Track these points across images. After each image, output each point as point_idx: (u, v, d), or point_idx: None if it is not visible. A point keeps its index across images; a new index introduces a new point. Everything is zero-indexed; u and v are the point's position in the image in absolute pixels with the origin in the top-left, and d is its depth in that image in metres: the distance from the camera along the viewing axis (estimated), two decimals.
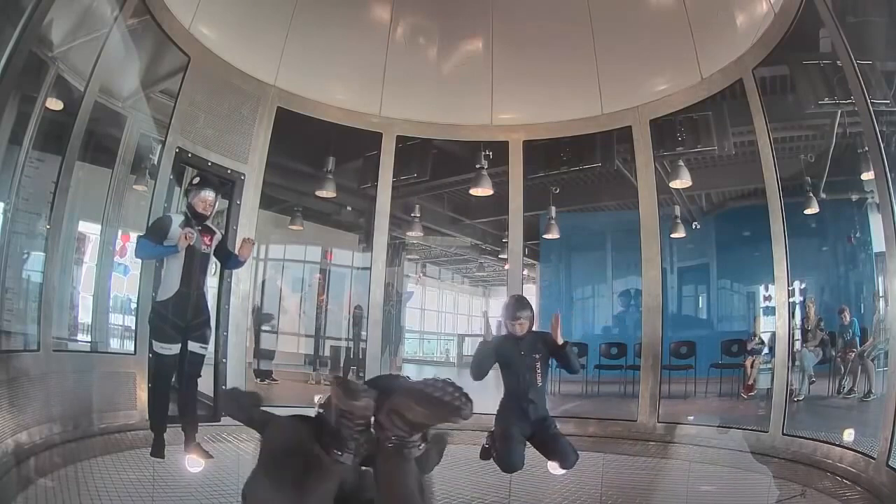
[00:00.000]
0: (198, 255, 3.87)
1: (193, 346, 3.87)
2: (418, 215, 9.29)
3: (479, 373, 3.59)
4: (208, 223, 4.01)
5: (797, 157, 6.11)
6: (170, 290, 3.79)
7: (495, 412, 3.60)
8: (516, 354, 3.52)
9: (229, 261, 4.25)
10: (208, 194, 3.91)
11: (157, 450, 3.72)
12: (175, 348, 3.77)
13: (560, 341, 3.50)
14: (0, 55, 3.06)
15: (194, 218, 3.87)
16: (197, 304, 3.88)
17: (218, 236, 4.08)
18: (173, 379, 3.87)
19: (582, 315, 10.32)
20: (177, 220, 3.86)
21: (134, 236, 5.14)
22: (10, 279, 3.88)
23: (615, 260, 9.53)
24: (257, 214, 5.43)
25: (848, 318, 5.99)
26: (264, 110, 5.44)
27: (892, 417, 3.46)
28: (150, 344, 3.87)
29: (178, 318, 3.77)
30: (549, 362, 3.61)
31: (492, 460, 3.60)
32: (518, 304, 3.65)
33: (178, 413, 3.88)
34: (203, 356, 3.99)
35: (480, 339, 3.82)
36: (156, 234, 3.82)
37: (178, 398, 3.86)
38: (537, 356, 3.52)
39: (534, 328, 3.62)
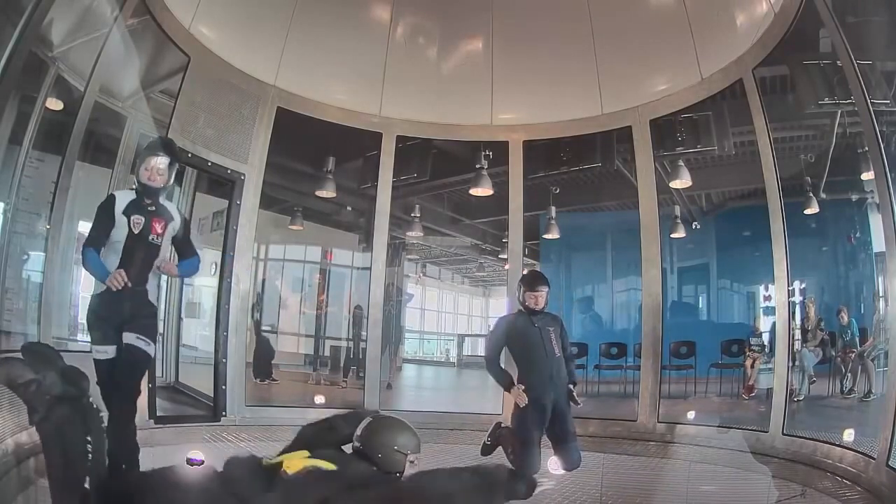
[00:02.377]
0: (141, 244, 3.06)
1: (129, 336, 3.01)
2: (418, 215, 9.30)
3: (494, 351, 3.69)
4: (164, 202, 3.19)
5: (797, 157, 6.11)
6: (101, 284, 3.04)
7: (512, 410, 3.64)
8: (531, 326, 3.58)
9: (186, 259, 3.32)
10: (159, 161, 3.10)
11: None
12: (111, 351, 2.99)
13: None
14: (0, 55, 3.06)
15: (143, 193, 3.09)
16: (134, 301, 3.05)
17: (175, 223, 3.21)
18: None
19: (582, 315, 10.33)
20: (123, 198, 3.07)
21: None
22: (10, 279, 3.88)
23: (615, 260, 9.54)
24: (257, 214, 5.44)
25: (846, 319, 5.99)
26: (264, 110, 5.44)
27: (892, 417, 3.46)
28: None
29: (112, 314, 3.01)
30: None
31: (488, 455, 3.65)
32: (537, 277, 3.75)
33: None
34: (145, 352, 3.06)
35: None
36: (102, 223, 3.02)
37: (108, 420, 2.62)
38: (551, 329, 3.61)
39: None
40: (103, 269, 2.96)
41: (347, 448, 2.34)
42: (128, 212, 3.04)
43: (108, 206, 3.06)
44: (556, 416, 3.52)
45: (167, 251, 3.21)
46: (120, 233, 3.03)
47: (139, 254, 3.06)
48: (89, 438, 1.93)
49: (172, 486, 1.85)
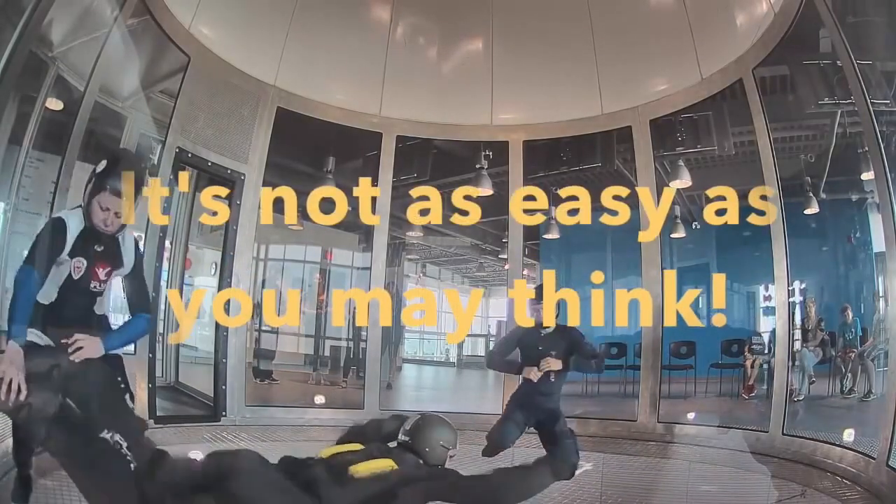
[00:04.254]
0: (77, 291, 2.44)
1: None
2: None
3: (499, 352, 3.84)
4: (120, 240, 2.50)
5: (797, 157, 6.10)
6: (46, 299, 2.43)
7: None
8: (535, 345, 3.63)
9: (132, 315, 2.58)
10: (117, 200, 2.34)
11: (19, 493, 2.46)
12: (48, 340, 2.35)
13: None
14: (0, 55, 3.06)
15: (90, 235, 2.39)
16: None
17: (124, 269, 2.53)
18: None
19: (582, 315, 10.29)
20: (72, 229, 2.39)
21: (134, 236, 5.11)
22: (10, 279, 3.87)
23: (615, 260, 9.52)
24: (257, 214, 5.44)
25: (850, 317, 5.98)
26: (264, 110, 5.44)
27: (892, 417, 3.47)
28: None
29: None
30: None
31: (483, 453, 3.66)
32: (535, 290, 3.83)
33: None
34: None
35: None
36: (49, 252, 2.38)
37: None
38: (553, 352, 3.63)
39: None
40: (26, 310, 2.27)
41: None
42: (73, 252, 2.40)
43: (59, 231, 2.39)
44: (546, 422, 3.53)
45: (109, 298, 2.65)
46: (61, 272, 2.43)
47: (74, 300, 2.45)
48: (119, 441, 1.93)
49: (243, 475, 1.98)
